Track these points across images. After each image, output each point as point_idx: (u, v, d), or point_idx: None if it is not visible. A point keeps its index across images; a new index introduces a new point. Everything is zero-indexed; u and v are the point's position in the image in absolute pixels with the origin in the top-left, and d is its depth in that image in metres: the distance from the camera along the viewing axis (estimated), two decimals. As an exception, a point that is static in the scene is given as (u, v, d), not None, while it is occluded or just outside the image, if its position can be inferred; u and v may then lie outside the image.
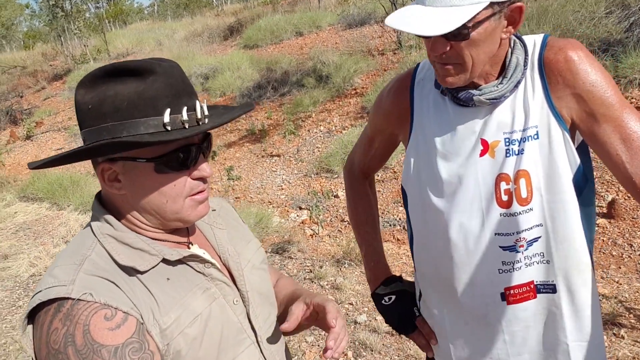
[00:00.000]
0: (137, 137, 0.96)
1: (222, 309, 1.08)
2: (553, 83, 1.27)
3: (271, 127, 8.14)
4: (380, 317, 3.84)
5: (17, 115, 13.73)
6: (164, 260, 1.03)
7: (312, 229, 5.43)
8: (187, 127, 0.99)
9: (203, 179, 1.06)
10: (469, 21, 1.15)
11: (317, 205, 5.50)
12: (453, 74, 1.25)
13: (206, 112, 1.03)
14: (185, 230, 1.15)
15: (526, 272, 1.34)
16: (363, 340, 3.57)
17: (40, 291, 0.93)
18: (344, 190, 1.87)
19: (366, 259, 1.74)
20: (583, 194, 1.31)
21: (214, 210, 1.26)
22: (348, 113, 7.70)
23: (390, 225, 5.22)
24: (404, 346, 3.52)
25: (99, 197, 1.10)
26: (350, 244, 4.81)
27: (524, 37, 1.33)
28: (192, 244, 1.14)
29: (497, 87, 1.28)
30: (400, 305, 1.63)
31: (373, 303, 3.84)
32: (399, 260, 4.65)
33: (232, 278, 1.15)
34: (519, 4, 1.20)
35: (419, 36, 1.22)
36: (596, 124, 1.24)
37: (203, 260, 1.08)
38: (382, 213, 5.48)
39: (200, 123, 1.01)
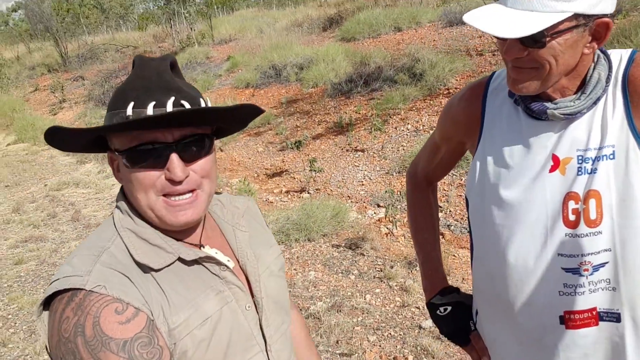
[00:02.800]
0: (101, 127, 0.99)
1: (233, 313, 1.07)
2: (636, 102, 1.19)
3: (358, 122, 8.13)
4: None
5: (125, 93, 14.55)
6: (180, 260, 1.04)
7: (387, 228, 5.39)
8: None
9: (173, 181, 1.00)
10: (548, 29, 1.10)
11: (395, 204, 5.45)
12: (525, 80, 1.20)
13: (179, 109, 0.98)
14: (197, 232, 1.13)
15: (590, 298, 1.27)
16: (425, 346, 3.51)
17: (58, 279, 0.95)
18: (406, 201, 1.84)
19: (423, 267, 1.72)
20: None
21: (238, 208, 1.26)
22: (438, 113, 7.54)
23: (468, 232, 5.08)
24: (468, 357, 3.43)
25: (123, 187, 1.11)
26: (424, 246, 4.74)
27: (610, 52, 1.25)
28: (204, 246, 1.12)
29: (574, 102, 1.22)
30: (455, 318, 1.60)
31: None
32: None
33: (248, 283, 1.14)
34: (606, 19, 1.14)
35: (496, 36, 1.18)
36: None
37: (219, 263, 1.08)
38: (461, 219, 5.34)
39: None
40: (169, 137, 0.99)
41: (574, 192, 1.24)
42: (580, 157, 1.23)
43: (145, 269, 1.00)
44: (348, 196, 6.19)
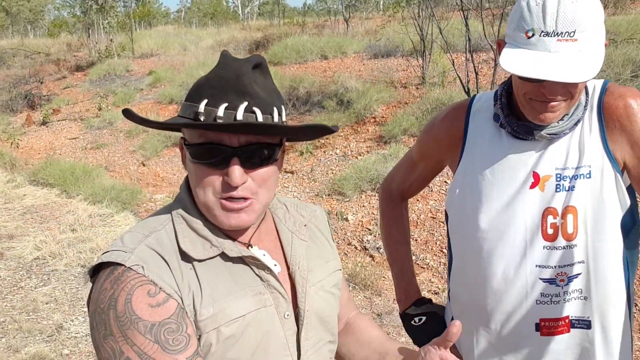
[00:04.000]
0: (175, 119, 1.02)
1: (270, 318, 1.05)
2: (610, 127, 1.32)
3: (288, 145, 8.21)
4: (403, 339, 3.84)
5: (35, 100, 13.84)
6: (224, 255, 1.03)
7: (318, 249, 5.45)
8: (222, 122, 0.97)
9: (229, 186, 1.00)
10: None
11: (331, 225, 5.53)
12: (556, 111, 1.27)
13: (260, 119, 0.98)
14: (249, 232, 1.11)
15: (564, 307, 1.37)
16: None
17: (108, 251, 0.99)
18: (379, 216, 1.89)
19: (397, 279, 1.76)
20: (630, 235, 1.35)
21: (303, 217, 1.23)
22: (365, 140, 7.76)
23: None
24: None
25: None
26: (356, 267, 4.83)
27: None
28: (252, 246, 1.10)
29: (557, 123, 1.33)
30: (429, 327, 1.65)
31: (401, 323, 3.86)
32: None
33: (294, 292, 1.11)
34: (606, 41, 1.27)
35: (529, 79, 1.24)
36: None
37: (263, 266, 1.06)
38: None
39: (237, 121, 0.97)
40: (234, 142, 0.98)
41: (552, 207, 1.34)
42: (558, 175, 1.34)
43: (187, 257, 1.01)
44: (278, 216, 6.21)
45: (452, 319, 1.61)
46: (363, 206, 6.07)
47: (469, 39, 7.57)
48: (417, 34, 9.21)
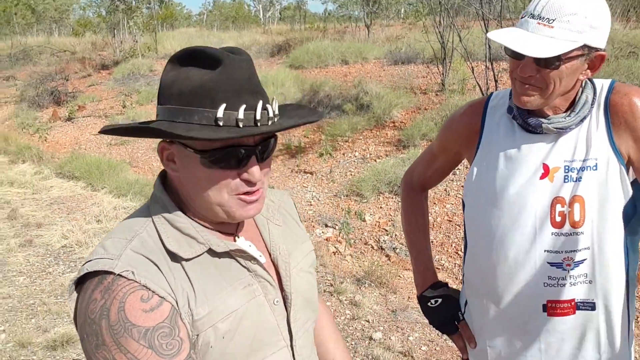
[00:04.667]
0: (186, 127, 0.95)
1: (260, 307, 1.07)
2: (616, 123, 1.44)
3: (307, 146, 8.37)
4: (394, 337, 3.97)
5: (61, 96, 14.16)
6: (210, 251, 1.03)
7: (335, 247, 5.59)
8: (241, 126, 0.96)
9: (249, 182, 1.01)
10: (564, 54, 1.32)
11: (347, 222, 5.67)
12: (531, 95, 1.41)
13: (271, 114, 0.99)
14: (233, 223, 1.12)
15: (570, 290, 1.48)
16: (376, 356, 3.70)
17: (91, 260, 0.96)
18: (401, 205, 2.01)
19: (416, 263, 1.88)
20: (631, 222, 1.47)
21: (273, 202, 1.25)
22: (384, 143, 7.89)
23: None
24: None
25: (162, 175, 1.11)
26: (372, 266, 4.96)
27: (594, 80, 1.51)
28: (239, 237, 1.12)
29: (564, 118, 1.44)
30: (445, 309, 1.77)
31: (389, 323, 3.97)
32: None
33: (279, 277, 1.14)
34: (603, 52, 1.38)
35: (513, 55, 1.39)
36: None
37: (250, 257, 1.07)
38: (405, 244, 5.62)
39: (259, 124, 0.97)
40: (251, 141, 1.01)
41: (560, 196, 1.45)
42: (567, 167, 1.45)
43: (175, 257, 1.00)
44: (297, 215, 6.36)
45: (466, 302, 1.74)
46: (380, 207, 6.20)
47: (489, 47, 7.67)
48: (437, 41, 9.33)
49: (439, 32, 9.27)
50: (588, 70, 1.41)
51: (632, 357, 1.58)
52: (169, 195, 1.07)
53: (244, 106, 0.96)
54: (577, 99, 1.46)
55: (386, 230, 5.77)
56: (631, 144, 1.43)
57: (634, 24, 10.81)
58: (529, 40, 1.34)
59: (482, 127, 1.62)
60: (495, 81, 7.53)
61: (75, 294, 0.98)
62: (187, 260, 1.01)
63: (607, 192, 1.44)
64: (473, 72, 7.85)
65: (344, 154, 7.85)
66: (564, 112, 1.47)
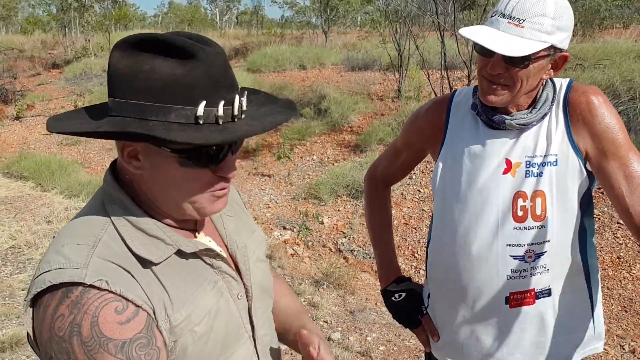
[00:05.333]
0: (163, 126, 0.88)
1: (227, 304, 1.04)
2: (574, 120, 1.49)
3: (265, 148, 8.35)
4: (352, 337, 3.99)
5: (9, 95, 13.69)
6: (178, 252, 0.98)
7: (293, 249, 5.59)
8: (220, 122, 0.91)
9: (224, 179, 0.98)
10: (533, 54, 1.36)
11: (306, 225, 5.68)
12: (498, 94, 1.45)
13: (244, 108, 0.94)
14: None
15: (531, 281, 1.53)
16: (335, 356, 3.71)
17: (49, 271, 0.87)
18: (364, 200, 2.02)
19: (380, 259, 1.90)
20: (588, 208, 1.54)
21: None
22: (342, 147, 7.96)
23: (370, 258, 5.41)
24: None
25: (112, 168, 1.01)
26: (330, 268, 4.98)
27: (554, 79, 1.57)
28: (199, 232, 1.08)
29: (526, 115, 1.49)
30: (409, 303, 1.80)
31: (347, 324, 3.99)
32: (375, 290, 4.82)
33: (238, 271, 1.10)
34: (566, 53, 1.44)
35: (483, 52, 1.43)
36: (605, 160, 1.46)
37: (215, 255, 1.03)
38: (363, 245, 5.67)
39: (236, 120, 0.93)
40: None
41: (522, 191, 1.50)
42: (528, 162, 1.50)
43: (144, 262, 0.93)
44: (254, 217, 6.33)
45: (429, 296, 1.77)
46: (338, 210, 6.24)
47: (445, 55, 7.85)
48: (394, 49, 9.48)
49: (396, 40, 9.43)
50: (551, 70, 1.47)
51: (603, 336, 1.66)
52: (128, 195, 0.98)
53: (222, 102, 0.90)
54: (538, 96, 1.51)
55: (344, 233, 5.81)
56: (588, 140, 1.48)
57: (580, 38, 11.27)
58: (500, 39, 1.37)
59: (447, 123, 1.65)
60: (450, 88, 7.69)
61: (30, 310, 0.88)
62: (157, 264, 0.94)
63: (566, 186, 1.49)
64: (429, 79, 8.01)
65: (302, 157, 7.87)
66: (526, 109, 1.52)
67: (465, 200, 1.56)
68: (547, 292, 1.55)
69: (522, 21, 1.37)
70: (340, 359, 3.67)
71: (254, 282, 1.12)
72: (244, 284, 1.10)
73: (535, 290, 1.54)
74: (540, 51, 1.38)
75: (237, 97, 0.93)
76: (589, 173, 1.51)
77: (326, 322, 4.24)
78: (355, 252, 5.50)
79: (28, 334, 0.90)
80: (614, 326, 4.12)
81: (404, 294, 1.81)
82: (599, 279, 1.66)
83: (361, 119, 8.71)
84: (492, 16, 1.44)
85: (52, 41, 20.91)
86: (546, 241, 1.51)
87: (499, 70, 1.42)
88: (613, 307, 4.38)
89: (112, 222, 0.94)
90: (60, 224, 6.09)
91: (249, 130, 0.92)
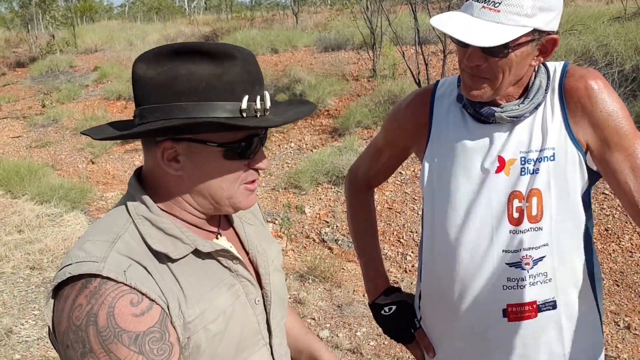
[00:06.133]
0: (222, 120, 0.95)
1: (243, 307, 1.07)
2: (572, 109, 1.34)
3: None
4: (341, 334, 3.86)
5: (-26, 98, 13.25)
6: (195, 251, 1.02)
7: (276, 242, 5.43)
8: (258, 116, 0.98)
9: (256, 171, 1.05)
10: (512, 41, 1.21)
11: (288, 217, 5.52)
12: (479, 88, 1.30)
13: (269, 104, 1.02)
14: (217, 220, 1.13)
15: (530, 292, 1.38)
16: (325, 355, 3.58)
17: (70, 264, 0.92)
18: (346, 205, 1.87)
19: (366, 269, 1.74)
20: (588, 211, 1.39)
21: None
22: (320, 133, 7.78)
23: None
24: (365, 364, 3.55)
25: (137, 174, 1.08)
26: (315, 260, 4.84)
27: (547, 63, 1.41)
28: (221, 235, 1.12)
29: (518, 106, 1.34)
30: (400, 316, 1.65)
31: (335, 319, 3.86)
32: (362, 281, 4.69)
33: (257, 276, 1.14)
34: (555, 36, 1.27)
35: (459, 43, 1.27)
36: (609, 151, 1.31)
37: (232, 257, 1.07)
38: (347, 234, 5.53)
39: (266, 113, 1.01)
40: (261, 130, 1.03)
41: (518, 191, 1.35)
42: (523, 159, 1.35)
43: (161, 258, 0.98)
44: (234, 211, 6.16)
45: (420, 307, 1.62)
46: (320, 199, 6.09)
47: (418, 31, 7.67)
48: (366, 27, 9.27)
49: (367, 17, 9.21)
50: (540, 57, 1.31)
51: (603, 350, 1.51)
52: (149, 196, 1.03)
53: (259, 97, 0.99)
54: (530, 84, 1.36)
55: (327, 222, 5.66)
56: (589, 130, 1.33)
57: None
58: (474, 27, 1.22)
59: (431, 118, 1.50)
60: (426, 64, 7.53)
61: (51, 301, 0.92)
62: (173, 261, 0.98)
63: (565, 183, 1.35)
64: (404, 57, 7.83)
65: (279, 146, 7.68)
66: (517, 99, 1.37)
67: (456, 204, 1.41)
68: (552, 305, 1.40)
69: (497, 4, 1.21)
70: (330, 358, 3.54)
71: (273, 289, 1.16)
72: (263, 289, 1.14)
73: (537, 303, 1.40)
74: (520, 37, 1.22)
75: (266, 92, 1.01)
76: (589, 169, 1.37)
77: (314, 319, 4.11)
78: (339, 242, 5.37)
79: (49, 328, 0.93)
80: (607, 302, 4.03)
81: (394, 307, 1.66)
82: (602, 285, 1.51)
83: (337, 101, 8.53)
84: (465, 1, 1.27)
85: (15, 39, 20.27)
86: (544, 245, 1.36)
87: (477, 61, 1.26)
88: (605, 282, 4.30)
89: (133, 222, 0.99)
90: (32, 232, 5.85)
91: (286, 119, 1.01)
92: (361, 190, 1.78)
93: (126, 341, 0.87)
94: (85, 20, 29.26)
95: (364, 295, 4.45)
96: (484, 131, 1.39)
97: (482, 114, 1.37)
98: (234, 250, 1.10)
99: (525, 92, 1.36)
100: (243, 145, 0.99)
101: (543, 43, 1.28)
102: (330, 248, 5.27)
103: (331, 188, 6.17)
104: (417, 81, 7.42)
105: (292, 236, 5.47)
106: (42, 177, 7.62)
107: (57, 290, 0.92)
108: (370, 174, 1.75)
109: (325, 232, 5.48)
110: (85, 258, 0.92)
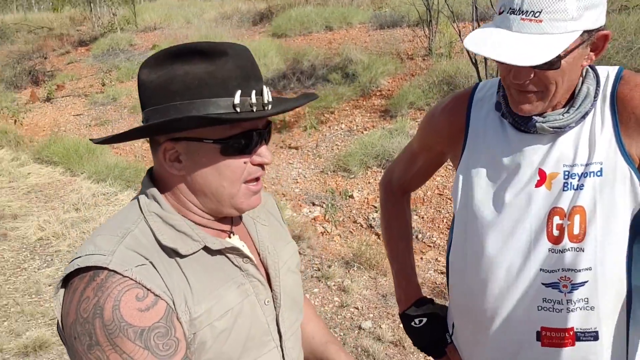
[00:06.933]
0: (213, 116, 0.96)
1: (252, 307, 1.07)
2: (625, 120, 1.21)
3: (292, 119, 8.08)
4: (385, 325, 3.79)
5: (39, 76, 13.72)
6: (205, 248, 1.03)
7: (323, 227, 5.38)
8: (254, 110, 0.99)
9: (262, 165, 1.05)
10: (564, 50, 1.09)
11: (332, 203, 5.45)
12: (532, 102, 1.19)
13: (270, 99, 1.02)
14: (229, 219, 1.13)
15: (568, 317, 1.28)
16: (366, 347, 3.53)
17: (80, 257, 0.94)
18: (380, 210, 1.81)
19: (397, 278, 1.68)
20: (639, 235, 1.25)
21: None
22: (371, 114, 7.63)
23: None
24: (407, 359, 3.47)
25: (150, 173, 1.10)
26: (361, 247, 4.77)
27: (597, 68, 1.27)
28: (234, 234, 1.13)
29: (562, 115, 1.22)
30: (431, 329, 1.58)
31: (379, 310, 3.79)
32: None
33: (268, 277, 1.14)
34: (605, 31, 1.14)
35: (502, 63, 1.15)
36: None
37: (242, 255, 1.08)
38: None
39: (265, 108, 1.01)
40: (261, 125, 1.04)
41: (559, 207, 1.24)
42: (566, 173, 1.24)
43: (170, 254, 0.99)
44: (283, 193, 6.14)
45: (454, 323, 1.53)
46: (369, 183, 5.98)
47: (476, 8, 7.35)
48: (422, 3, 8.98)
49: (424, -7, 8.91)
50: (592, 54, 1.18)
51: None
52: (161, 193, 1.05)
53: (254, 91, 0.98)
54: (576, 91, 1.22)
55: (375, 207, 5.56)
56: None
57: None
58: (516, 45, 1.10)
59: (468, 124, 1.39)
60: (484, 44, 7.22)
61: (61, 292, 0.95)
62: (182, 257, 1.00)
63: (613, 202, 1.22)
64: (460, 35, 7.53)
65: (329, 127, 7.58)
66: (562, 107, 1.24)
67: (492, 217, 1.31)
68: (593, 336, 1.28)
69: (538, 14, 1.08)
70: (371, 351, 3.49)
71: (284, 290, 1.15)
72: (273, 291, 1.13)
73: (575, 330, 1.28)
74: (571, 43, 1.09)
75: (264, 87, 1.01)
76: None
77: (357, 308, 4.05)
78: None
79: (58, 322, 0.94)
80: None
81: (425, 319, 1.60)
82: None
83: (391, 81, 8.33)
84: (500, 12, 1.14)
85: (79, 17, 20.83)
86: (586, 269, 1.24)
87: (525, 78, 1.15)
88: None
89: (145, 218, 1.01)
90: (87, 211, 6.04)
91: (278, 110, 1.02)
92: (396, 194, 1.72)
93: (132, 336, 0.88)
94: (146, -2, 29.74)
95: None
96: (524, 141, 1.28)
97: (522, 123, 1.25)
98: (245, 249, 1.11)
99: (571, 100, 1.23)
100: (242, 141, 1.00)
101: (594, 40, 1.16)
102: (377, 234, 5.18)
103: (380, 172, 6.04)
104: (474, 61, 7.13)
105: (339, 221, 5.41)
106: (99, 156, 7.84)
107: (66, 282, 0.94)
108: (405, 179, 1.68)
109: (373, 218, 5.39)
110: (94, 251, 0.94)
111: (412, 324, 1.61)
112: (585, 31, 1.10)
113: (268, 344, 1.11)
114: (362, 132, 7.13)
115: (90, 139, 1.07)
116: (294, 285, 1.22)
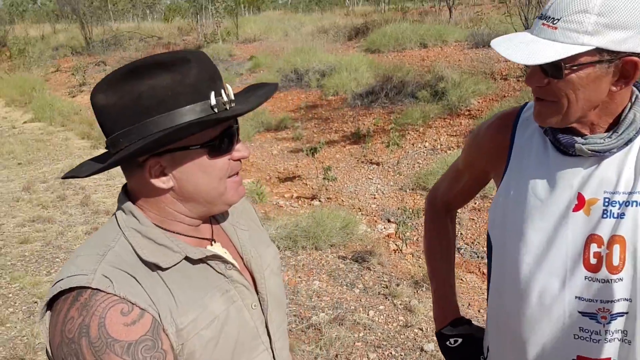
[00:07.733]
0: (204, 119, 0.97)
1: (239, 312, 1.08)
2: None
3: (376, 134, 8.09)
4: (448, 351, 3.68)
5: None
6: (186, 259, 1.03)
7: (396, 244, 5.33)
8: (228, 108, 1.01)
9: (238, 162, 1.07)
10: (565, 60, 1.08)
11: (406, 222, 5.39)
12: (546, 111, 1.19)
13: (232, 96, 1.04)
14: (209, 227, 1.14)
15: (605, 348, 1.23)
16: (425, 370, 3.45)
17: (62, 279, 0.94)
18: (423, 226, 1.80)
19: (436, 295, 1.67)
20: None
21: (236, 208, 1.26)
22: (457, 134, 7.49)
23: (478, 257, 5.01)
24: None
25: (125, 189, 1.09)
26: (432, 267, 4.67)
27: None
28: (215, 242, 1.13)
29: (604, 140, 1.18)
30: (465, 351, 1.57)
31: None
32: (480, 295, 4.45)
33: (253, 281, 1.15)
34: (634, 58, 1.09)
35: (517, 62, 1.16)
36: None
37: (225, 261, 1.08)
38: (472, 243, 5.27)
39: (233, 104, 1.03)
40: (234, 121, 1.06)
41: (597, 234, 1.20)
42: (607, 200, 1.19)
43: (152, 268, 0.99)
44: (359, 208, 6.14)
45: (489, 346, 1.49)
46: (447, 203, 5.87)
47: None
48: (521, 23, 8.73)
49: (524, 13, 8.66)
50: (622, 81, 1.13)
51: None
52: (137, 208, 1.05)
53: (222, 90, 1.01)
54: (622, 116, 1.17)
55: (451, 229, 5.45)
56: None
57: None
58: (527, 46, 1.12)
59: (512, 144, 1.37)
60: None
61: (47, 316, 0.95)
62: (164, 269, 1.00)
63: None
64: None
65: (413, 144, 7.52)
66: (606, 131, 1.19)
67: (529, 240, 1.28)
68: None
69: (556, 21, 1.09)
70: (431, 375, 3.40)
71: (269, 292, 1.17)
72: (259, 294, 1.15)
73: None
74: (578, 57, 1.07)
75: (227, 85, 1.03)
76: None
77: (421, 329, 3.97)
78: (462, 251, 5.13)
79: (47, 347, 0.95)
80: None
81: (460, 340, 1.58)
82: None
83: (481, 101, 8.15)
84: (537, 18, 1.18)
85: (187, 28, 22.02)
86: (625, 299, 1.20)
87: (536, 82, 1.16)
88: None
89: (124, 234, 1.01)
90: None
91: (252, 104, 1.03)
92: (440, 212, 1.71)
93: (118, 350, 0.88)
94: (252, 11, 30.96)
95: (479, 311, 4.22)
96: (565, 163, 1.24)
97: (561, 143, 1.22)
98: (228, 256, 1.11)
99: (615, 125, 1.18)
100: (225, 139, 1.02)
101: (620, 66, 1.10)
102: (451, 256, 5.06)
103: (460, 193, 5.92)
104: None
105: (412, 240, 5.33)
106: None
107: (50, 306, 0.94)
108: (449, 196, 1.67)
109: (448, 239, 5.27)
110: (76, 272, 0.93)
111: (447, 343, 1.59)
112: (602, 50, 1.07)
113: (258, 347, 1.12)
114: (446, 152, 7.01)
115: (63, 177, 1.08)
116: (278, 287, 1.23)
